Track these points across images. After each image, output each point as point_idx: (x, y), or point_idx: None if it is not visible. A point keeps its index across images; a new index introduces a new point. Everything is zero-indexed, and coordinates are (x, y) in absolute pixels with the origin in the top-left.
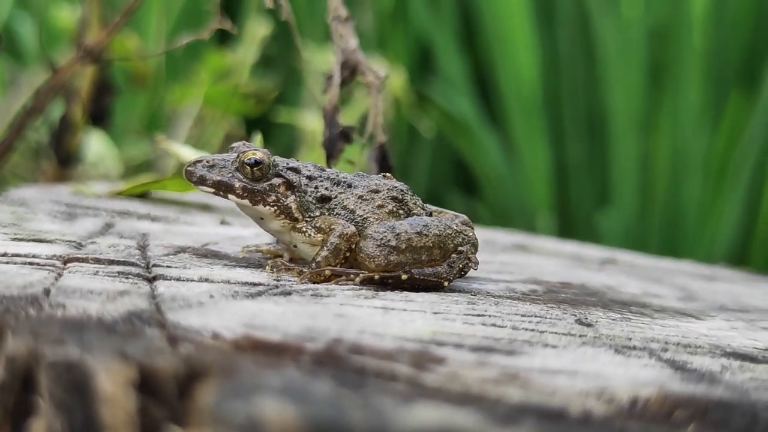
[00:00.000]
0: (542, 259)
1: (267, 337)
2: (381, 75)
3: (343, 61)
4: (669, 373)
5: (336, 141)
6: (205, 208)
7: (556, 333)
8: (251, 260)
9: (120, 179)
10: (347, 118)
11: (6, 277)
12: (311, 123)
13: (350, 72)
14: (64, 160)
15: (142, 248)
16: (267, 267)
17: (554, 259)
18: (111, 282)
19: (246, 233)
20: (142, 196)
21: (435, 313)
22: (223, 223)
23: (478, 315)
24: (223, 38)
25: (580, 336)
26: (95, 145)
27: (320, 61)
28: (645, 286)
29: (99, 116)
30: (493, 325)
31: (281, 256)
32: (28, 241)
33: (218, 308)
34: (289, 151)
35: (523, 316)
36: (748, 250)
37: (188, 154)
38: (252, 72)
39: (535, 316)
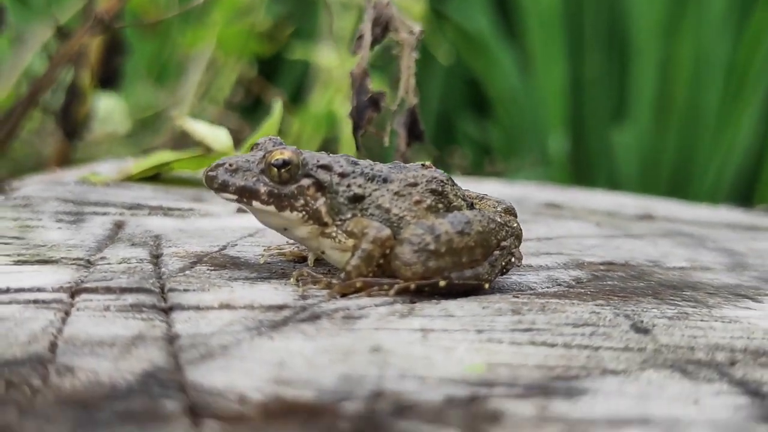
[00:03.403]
0: (578, 224)
1: (299, 397)
2: (415, 31)
3: (375, 17)
4: (745, 404)
5: (364, 109)
6: None
7: (612, 349)
8: (274, 267)
9: (130, 136)
10: None
11: (8, 328)
12: (326, 58)
13: (382, 29)
14: (71, 133)
15: (156, 260)
16: (292, 279)
17: (590, 220)
18: (124, 321)
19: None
20: (155, 176)
21: (479, 331)
22: (239, 210)
23: (526, 329)
24: None
25: (639, 350)
26: (103, 101)
27: None
28: (690, 253)
29: (109, 78)
30: (544, 343)
31: (306, 258)
32: (33, 263)
33: (242, 354)
34: (303, 89)
35: (574, 326)
36: (763, 160)
37: (205, 131)
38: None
39: (587, 325)
